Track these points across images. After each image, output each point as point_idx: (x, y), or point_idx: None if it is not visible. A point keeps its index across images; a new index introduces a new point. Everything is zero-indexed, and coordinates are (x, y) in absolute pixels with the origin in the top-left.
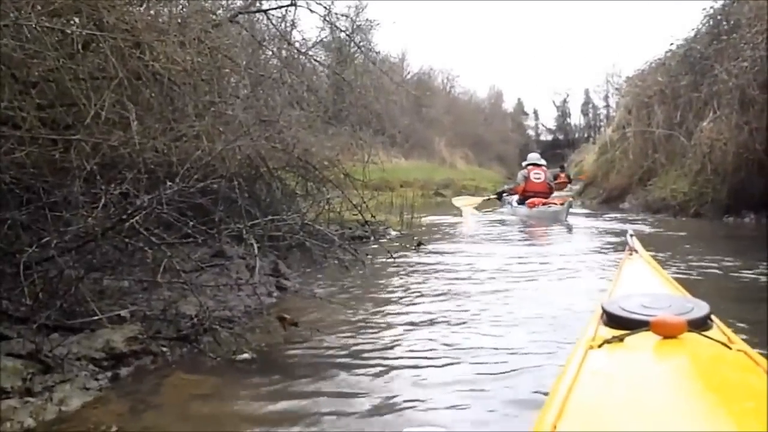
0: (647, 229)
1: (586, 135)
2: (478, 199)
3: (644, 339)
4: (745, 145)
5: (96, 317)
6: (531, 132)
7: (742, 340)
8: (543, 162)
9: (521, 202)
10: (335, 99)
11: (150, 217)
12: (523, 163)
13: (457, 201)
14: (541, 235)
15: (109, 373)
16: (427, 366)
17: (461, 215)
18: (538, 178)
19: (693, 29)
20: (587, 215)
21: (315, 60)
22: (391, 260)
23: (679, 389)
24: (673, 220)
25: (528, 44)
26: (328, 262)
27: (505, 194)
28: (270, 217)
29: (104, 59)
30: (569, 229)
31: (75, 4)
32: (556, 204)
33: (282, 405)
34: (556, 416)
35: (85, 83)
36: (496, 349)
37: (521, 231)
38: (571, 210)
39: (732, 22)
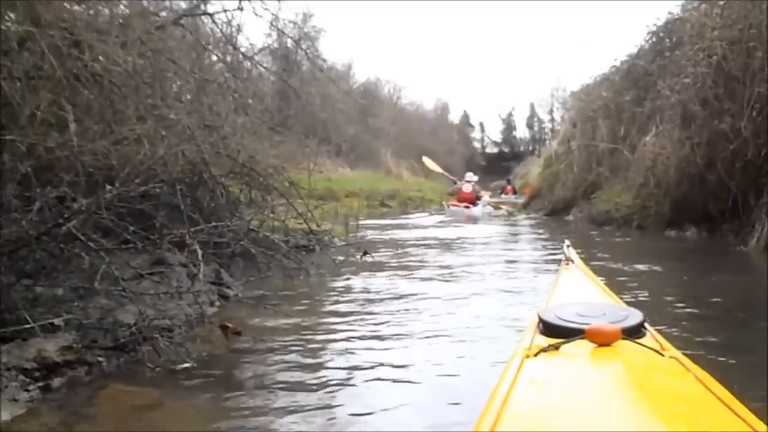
0: (589, 241)
1: (531, 148)
2: (440, 169)
3: (580, 347)
4: (687, 159)
5: (28, 326)
6: (477, 144)
7: (674, 347)
8: (474, 179)
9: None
10: (281, 106)
11: (87, 222)
12: (464, 179)
13: (427, 161)
14: (481, 245)
15: (40, 384)
16: (371, 374)
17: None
18: (467, 189)
19: (637, 46)
20: (531, 227)
21: (261, 66)
22: (336, 269)
23: (613, 396)
24: (617, 232)
25: (474, 57)
26: (272, 271)
27: (452, 188)
28: (214, 224)
29: (41, 57)
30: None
31: (10, 1)
32: (471, 207)
33: (224, 417)
34: (492, 423)
35: (21, 82)
36: (437, 356)
37: (463, 239)
38: (486, 213)
39: (674, 39)
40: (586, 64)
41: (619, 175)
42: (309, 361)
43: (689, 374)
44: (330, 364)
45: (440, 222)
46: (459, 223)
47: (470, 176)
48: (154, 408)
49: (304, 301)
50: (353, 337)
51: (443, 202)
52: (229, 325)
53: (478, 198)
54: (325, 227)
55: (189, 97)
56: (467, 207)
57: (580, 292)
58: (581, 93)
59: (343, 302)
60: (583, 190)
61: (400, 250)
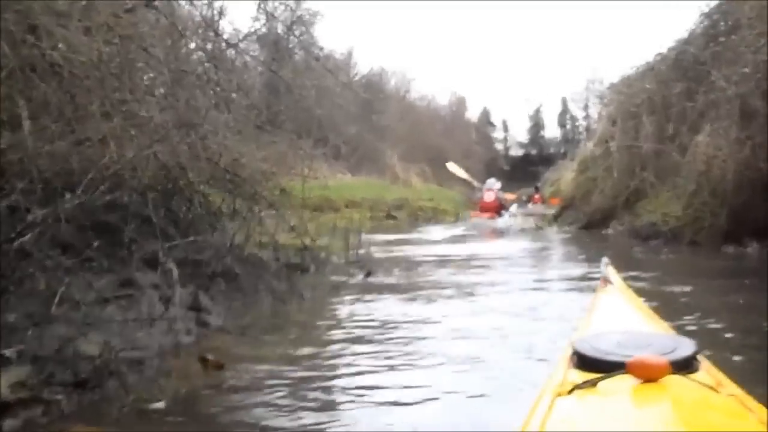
0: (631, 259)
1: (563, 150)
2: (467, 176)
3: (621, 383)
4: (747, 162)
5: None
6: (499, 146)
7: (734, 382)
8: (496, 187)
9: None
10: (270, 101)
11: (44, 237)
12: (484, 187)
13: (451, 166)
14: (504, 263)
15: None
16: (374, 415)
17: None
18: (489, 198)
19: (687, 30)
20: (563, 242)
21: (247, 55)
22: (334, 292)
23: None
24: (664, 248)
25: (496, 44)
26: (259, 294)
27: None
28: (192, 239)
29: None
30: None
31: None
32: (495, 217)
33: None
34: None
35: None
36: (451, 394)
37: (482, 257)
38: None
39: (731, 23)
40: (627, 51)
41: (666, 182)
42: (302, 401)
43: (751, 415)
44: (326, 407)
45: (456, 236)
46: (479, 237)
47: (492, 183)
48: None
49: (296, 331)
50: (354, 371)
51: (459, 213)
52: (210, 357)
53: (503, 207)
54: (322, 243)
55: (163, 90)
56: (491, 218)
57: (621, 318)
58: (622, 85)
59: (342, 332)
60: (625, 199)
61: (409, 270)
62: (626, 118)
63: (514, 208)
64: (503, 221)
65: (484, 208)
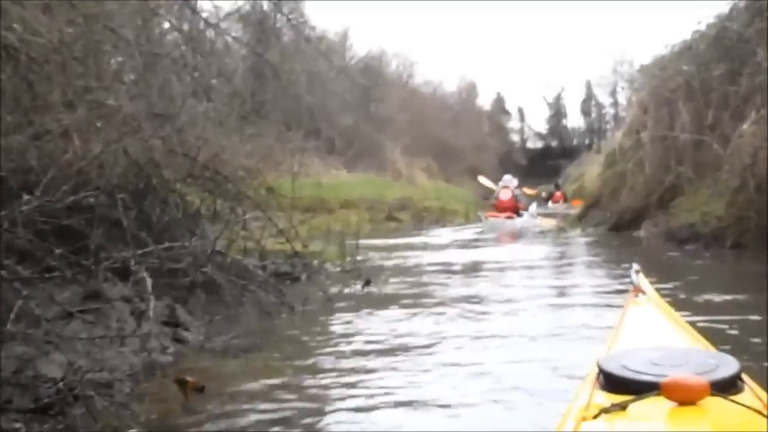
0: (666, 265)
1: (587, 141)
2: (491, 185)
3: (654, 406)
4: None
5: None
6: (515, 137)
7: None
8: (512, 184)
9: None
10: (255, 88)
11: None
12: (499, 184)
13: (482, 179)
14: (522, 271)
15: None
16: None
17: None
18: (505, 196)
19: (728, 4)
20: (588, 246)
21: (228, 35)
22: (329, 304)
23: None
24: (704, 253)
25: (509, 21)
26: (243, 307)
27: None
28: (167, 245)
29: None
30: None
31: None
32: (513, 217)
33: None
34: None
35: None
36: (464, 423)
37: (497, 264)
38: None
39: None
40: (660, 28)
41: (706, 177)
42: (291, 426)
43: None
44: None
45: (467, 240)
46: (493, 241)
47: (508, 180)
48: None
49: (286, 348)
50: (350, 396)
51: (470, 213)
52: (188, 378)
53: (520, 206)
54: (314, 249)
55: (133, 77)
56: (509, 218)
57: (654, 333)
58: (654, 67)
59: (337, 351)
60: (659, 196)
61: (413, 280)
62: (660, 104)
63: (533, 207)
64: (521, 222)
65: (500, 208)
